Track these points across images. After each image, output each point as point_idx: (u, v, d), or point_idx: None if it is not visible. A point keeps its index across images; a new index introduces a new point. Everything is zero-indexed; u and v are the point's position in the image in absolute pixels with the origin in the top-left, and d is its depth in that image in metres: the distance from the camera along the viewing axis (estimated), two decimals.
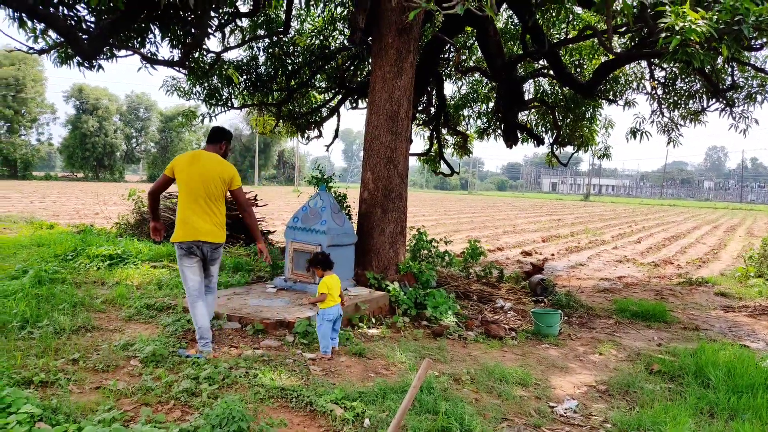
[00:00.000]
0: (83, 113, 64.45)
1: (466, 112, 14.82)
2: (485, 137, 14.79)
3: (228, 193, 5.15)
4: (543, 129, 13.77)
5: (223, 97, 12.07)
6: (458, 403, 4.17)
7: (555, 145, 13.32)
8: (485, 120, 14.48)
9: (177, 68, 8.25)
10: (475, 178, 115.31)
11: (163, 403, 3.76)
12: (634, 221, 32.67)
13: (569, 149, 14.12)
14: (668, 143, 12.58)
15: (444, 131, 14.56)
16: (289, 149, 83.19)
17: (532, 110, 13.55)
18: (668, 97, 11.90)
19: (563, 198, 78.40)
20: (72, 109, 65.17)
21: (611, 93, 11.97)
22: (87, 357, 4.40)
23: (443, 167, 14.77)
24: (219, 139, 5.28)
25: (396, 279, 7.33)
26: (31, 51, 6.86)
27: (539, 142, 11.99)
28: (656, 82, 11.79)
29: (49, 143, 67.65)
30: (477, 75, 13.92)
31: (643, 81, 12.28)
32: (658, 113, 11.98)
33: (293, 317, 5.62)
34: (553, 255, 15.47)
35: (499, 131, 14.26)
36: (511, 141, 11.42)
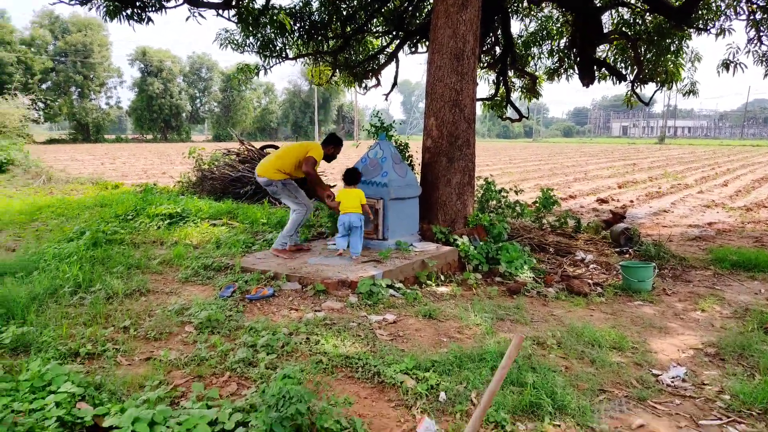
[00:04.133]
0: (148, 76, 65.95)
1: (534, 51, 13.75)
2: (556, 78, 13.72)
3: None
4: (622, 65, 12.56)
5: (277, 47, 11.59)
6: (547, 373, 3.64)
7: (636, 83, 12.14)
8: (556, 59, 13.38)
9: (223, 11, 7.78)
10: (540, 125, 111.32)
11: (217, 374, 3.43)
12: (716, 163, 30.47)
13: (648, 89, 12.90)
14: (765, 75, 11.18)
15: (510, 73, 13.57)
16: (348, 103, 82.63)
17: (610, 46, 12.35)
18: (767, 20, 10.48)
19: (636, 142, 74.48)
20: (137, 72, 66.98)
21: (701, 21, 10.65)
22: (139, 324, 4.13)
23: (510, 112, 13.85)
24: (325, 143, 6.46)
25: (465, 233, 6.77)
26: (73, 2, 6.53)
27: (620, 78, 10.90)
28: (755, 5, 10.39)
29: (118, 106, 69.84)
30: (547, 10, 12.79)
31: (738, 5, 10.87)
32: (755, 41, 10.60)
33: (356, 276, 5.20)
34: (632, 202, 14.41)
35: (572, 70, 13.17)
36: (587, 79, 10.42)
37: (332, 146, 6.36)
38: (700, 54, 12.17)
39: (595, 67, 10.66)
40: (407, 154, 7.16)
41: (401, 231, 6.41)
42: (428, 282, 5.74)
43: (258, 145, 11.52)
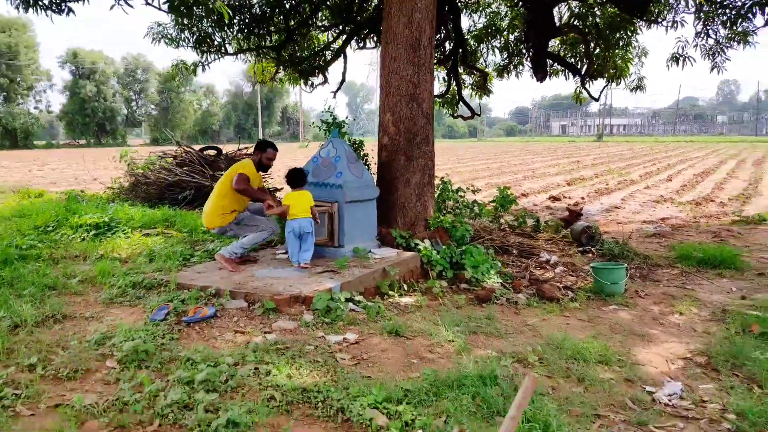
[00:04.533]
0: (80, 78, 62.87)
1: (483, 48, 13.45)
2: (506, 75, 13.47)
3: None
4: (572, 61, 12.42)
5: (216, 42, 10.83)
6: (534, 397, 3.17)
7: (586, 78, 12.00)
8: (505, 56, 13.12)
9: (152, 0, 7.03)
10: (484, 124, 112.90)
11: (144, 424, 2.78)
12: (655, 159, 31.33)
13: (596, 86, 12.79)
14: (712, 69, 11.21)
15: (460, 70, 13.22)
16: (292, 104, 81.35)
17: (560, 41, 12.17)
18: (714, 13, 10.49)
19: (575, 140, 76.46)
20: (68, 75, 63.67)
21: (654, 14, 10.56)
22: (49, 360, 3.41)
23: (462, 110, 13.50)
24: (255, 148, 5.88)
25: (426, 236, 6.28)
26: None
27: (574, 72, 10.69)
28: None
29: (48, 111, 66.30)
30: (495, 5, 12.51)
31: None
32: (702, 35, 10.58)
33: (311, 290, 4.61)
34: (583, 198, 14.35)
35: (522, 67, 12.95)
36: (540, 74, 10.15)
37: (258, 153, 5.75)
38: (647, 49, 12.15)
39: (547, 61, 10.40)
40: (362, 153, 6.59)
41: (359, 237, 5.86)
42: (391, 293, 5.21)
43: (197, 147, 10.72)
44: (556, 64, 11.13)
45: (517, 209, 10.86)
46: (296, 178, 5.56)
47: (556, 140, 79.65)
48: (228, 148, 11.44)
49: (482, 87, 13.43)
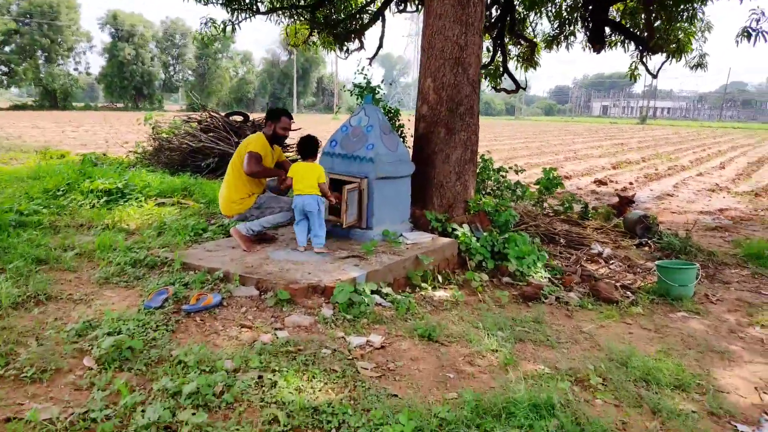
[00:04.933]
0: (119, 41, 62.95)
1: (532, 16, 12.47)
2: (555, 46, 12.48)
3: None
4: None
5: None
6: None
7: (645, 52, 10.97)
8: (556, 25, 12.13)
9: None
10: (522, 102, 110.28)
11: None
12: (704, 144, 29.75)
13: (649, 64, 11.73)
14: None
15: (506, 39, 12.29)
16: (328, 75, 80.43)
17: (617, 9, 11.13)
18: None
19: (617, 121, 73.86)
20: (108, 37, 63.91)
21: None
22: (15, 354, 2.87)
23: (505, 82, 12.61)
24: (266, 119, 5.13)
25: (465, 220, 5.59)
26: None
27: (637, 42, 9.69)
28: None
29: (87, 72, 66.81)
30: None
31: None
32: None
33: (332, 279, 3.99)
34: (631, 184, 13.38)
35: (573, 37, 11.96)
36: (598, 44, 9.22)
37: (271, 123, 5.00)
38: (711, 22, 11.04)
39: (606, 29, 9.45)
40: (397, 123, 5.89)
41: (389, 218, 5.20)
42: (423, 285, 4.56)
43: (224, 113, 10.13)
44: (614, 34, 10.15)
45: (562, 193, 10.05)
46: (307, 146, 4.81)
47: (597, 121, 77.14)
48: (255, 115, 10.83)
49: (529, 59, 12.48)
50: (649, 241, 7.01)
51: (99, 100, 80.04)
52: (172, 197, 6.90)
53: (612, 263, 5.97)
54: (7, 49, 55.62)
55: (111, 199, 6.52)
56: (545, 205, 8.55)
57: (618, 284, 5.13)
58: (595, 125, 59.77)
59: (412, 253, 4.68)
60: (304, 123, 40.90)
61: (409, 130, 5.93)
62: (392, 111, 5.95)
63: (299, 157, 4.89)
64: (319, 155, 5.06)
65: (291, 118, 5.13)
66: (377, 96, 5.68)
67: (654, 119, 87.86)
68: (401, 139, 5.67)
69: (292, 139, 7.49)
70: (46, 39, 57.06)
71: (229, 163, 4.92)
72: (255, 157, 4.70)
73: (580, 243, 6.63)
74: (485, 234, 5.42)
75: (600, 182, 13.24)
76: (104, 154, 10.85)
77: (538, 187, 8.64)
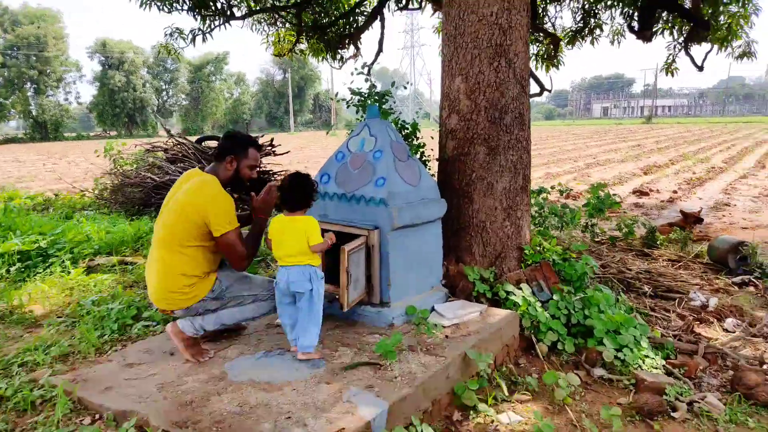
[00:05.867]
0: (109, 69, 61.75)
1: (552, 10, 10.82)
2: (579, 41, 10.81)
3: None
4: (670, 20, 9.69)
5: (219, 3, 8.54)
6: None
7: (689, 42, 9.28)
8: (579, 17, 10.46)
9: None
10: None
11: None
12: (725, 141, 28.06)
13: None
14: None
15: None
16: (324, 92, 79.03)
17: None
18: None
19: (622, 122, 72.13)
20: (98, 66, 62.71)
21: None
22: None
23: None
24: (224, 152, 3.11)
25: (522, 277, 3.85)
26: None
27: (703, 27, 7.94)
28: None
29: (78, 102, 65.66)
30: None
31: None
32: None
33: (327, 429, 2.23)
34: (675, 192, 11.62)
35: (601, 30, 10.31)
36: (647, 29, 7.53)
37: (230, 157, 3.06)
38: (759, 5, 9.35)
39: (656, 12, 7.78)
40: (415, 142, 4.12)
41: (415, 285, 3.47)
42: (479, 400, 2.80)
43: (194, 138, 8.45)
44: (662, 19, 8.49)
45: (614, 213, 8.33)
46: (293, 192, 2.98)
47: (599, 123, 75.43)
48: None
49: (552, 56, 10.79)
50: (751, 278, 5.27)
51: (93, 129, 78.79)
52: (121, 253, 5.17)
53: (728, 321, 4.21)
54: None
55: (28, 266, 4.80)
56: (596, 230, 6.84)
57: (763, 365, 3.38)
58: (601, 127, 58.06)
59: (457, 350, 2.93)
60: (302, 141, 38.93)
61: (432, 151, 4.21)
62: (407, 127, 4.20)
63: (282, 206, 3.12)
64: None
65: (260, 149, 3.40)
66: (386, 106, 3.94)
67: (657, 117, 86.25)
68: (424, 165, 3.92)
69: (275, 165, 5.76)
70: (34, 71, 55.84)
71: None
72: (238, 239, 2.92)
73: (669, 289, 4.87)
74: (555, 298, 3.68)
75: (640, 192, 11.49)
76: (56, 195, 9.16)
77: (585, 208, 6.91)
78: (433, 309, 3.47)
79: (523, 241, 4.07)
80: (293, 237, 2.92)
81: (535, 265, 3.92)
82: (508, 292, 3.68)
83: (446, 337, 3.12)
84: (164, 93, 70.43)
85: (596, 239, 6.74)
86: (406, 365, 2.78)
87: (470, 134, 3.92)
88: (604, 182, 7.40)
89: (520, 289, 3.71)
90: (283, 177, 3.14)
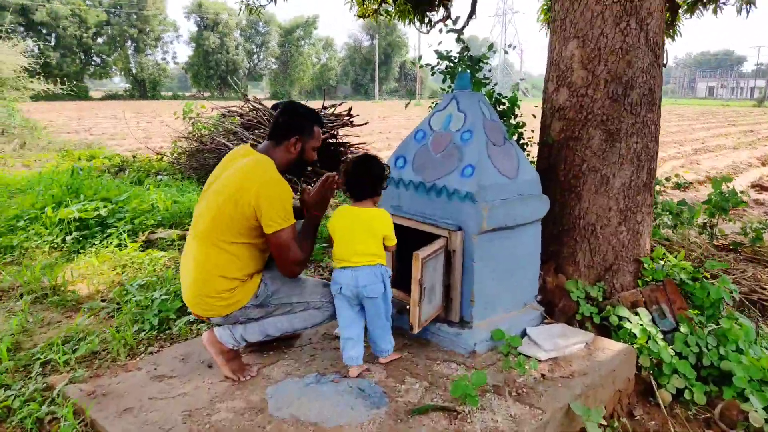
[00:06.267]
0: (204, 30, 63.40)
1: None
2: (701, 8, 9.44)
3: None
4: None
5: None
6: None
7: None
8: None
9: None
10: None
11: None
12: None
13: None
14: None
15: None
16: (410, 60, 77.75)
17: None
18: None
19: (729, 104, 66.40)
20: (193, 26, 64.60)
21: None
22: None
23: None
24: (285, 131, 2.48)
25: (639, 299, 3.08)
26: None
27: None
28: None
29: (175, 62, 68.05)
30: None
31: None
32: None
33: None
34: None
35: None
36: None
37: (295, 137, 2.47)
38: None
39: None
40: (514, 123, 3.39)
41: (504, 302, 2.81)
42: None
43: (271, 103, 8.01)
44: None
45: (737, 212, 7.20)
46: (361, 178, 2.48)
47: (704, 103, 69.84)
48: (317, 104, 8.64)
49: (669, 25, 9.50)
50: None
51: (189, 89, 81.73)
52: (175, 228, 4.81)
53: None
54: (99, 40, 57.10)
55: (86, 235, 4.51)
56: (716, 232, 5.83)
57: None
58: (707, 108, 53.62)
59: (557, 400, 2.26)
60: (386, 110, 38.28)
61: (533, 133, 3.46)
62: (503, 101, 3.47)
63: (346, 194, 2.57)
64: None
65: (323, 125, 2.82)
66: (480, 75, 3.22)
67: (767, 101, 78.83)
68: (523, 151, 3.19)
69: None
70: (134, 29, 58.17)
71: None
72: (294, 239, 2.36)
73: None
74: (683, 329, 2.90)
75: (760, 187, 10.08)
76: (134, 156, 9.06)
77: (707, 206, 5.90)
78: (525, 334, 2.80)
79: (642, 252, 3.28)
80: (364, 233, 2.42)
81: (656, 284, 3.13)
82: (621, 318, 2.94)
83: (542, 376, 2.45)
84: (255, 56, 71.69)
85: (716, 244, 5.75)
86: (490, 416, 2.15)
87: (583, 114, 3.15)
88: (729, 175, 6.31)
89: (637, 314, 2.95)
90: (345, 162, 2.54)
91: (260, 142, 7.51)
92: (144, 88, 60.27)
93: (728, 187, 5.86)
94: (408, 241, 2.72)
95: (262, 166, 2.37)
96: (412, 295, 2.46)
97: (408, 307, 2.77)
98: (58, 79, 22.24)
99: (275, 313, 2.46)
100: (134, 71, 59.75)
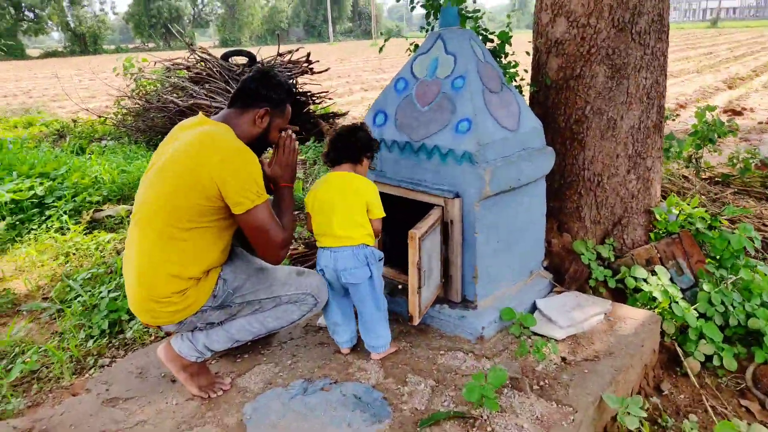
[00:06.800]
0: None
1: None
2: None
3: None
4: None
5: None
6: None
7: None
8: None
9: None
10: None
11: None
12: None
13: None
14: None
15: None
16: None
17: None
18: None
19: (683, 26, 66.46)
20: None
21: None
22: None
23: None
24: (254, 99, 2.03)
25: (653, 254, 2.77)
26: None
27: None
28: None
29: (114, 12, 64.38)
30: None
31: None
32: None
33: None
34: None
35: None
36: None
37: (265, 109, 2.01)
38: None
39: None
40: (505, 61, 2.93)
41: (510, 272, 2.47)
42: None
43: (219, 53, 7.29)
44: None
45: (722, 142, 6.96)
46: (339, 143, 2.14)
47: None
48: (266, 52, 7.96)
49: None
50: None
51: (132, 41, 77.53)
52: (123, 203, 4.28)
53: None
54: None
55: (21, 219, 3.97)
56: (701, 165, 5.59)
57: None
58: None
59: (587, 391, 1.94)
60: (342, 51, 37.04)
61: (525, 73, 3.03)
62: (490, 38, 3.00)
63: (324, 160, 2.14)
64: (366, 104, 2.23)
65: (294, 100, 2.36)
66: (469, 12, 2.74)
67: (721, 21, 79.31)
68: (521, 97, 2.76)
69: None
70: None
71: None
72: (270, 215, 1.93)
73: None
74: (704, 286, 2.61)
75: (732, 112, 9.91)
76: (74, 121, 8.27)
77: (693, 137, 5.62)
78: (534, 307, 2.46)
79: (653, 201, 2.95)
80: (343, 201, 2.04)
81: (671, 237, 2.82)
82: (637, 279, 2.62)
83: (563, 360, 2.12)
84: (200, 1, 68.14)
85: (702, 177, 5.51)
86: (513, 419, 1.81)
87: (585, 47, 2.73)
88: (698, 100, 6.02)
89: (655, 273, 2.64)
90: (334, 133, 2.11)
91: (212, 98, 6.82)
92: (84, 42, 56.86)
93: (713, 116, 5.59)
94: (394, 212, 2.31)
95: (222, 134, 1.91)
96: (410, 281, 2.07)
97: (400, 286, 2.41)
98: None
99: (241, 313, 2.04)
100: (72, 25, 56.19)
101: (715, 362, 2.42)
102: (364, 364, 2.15)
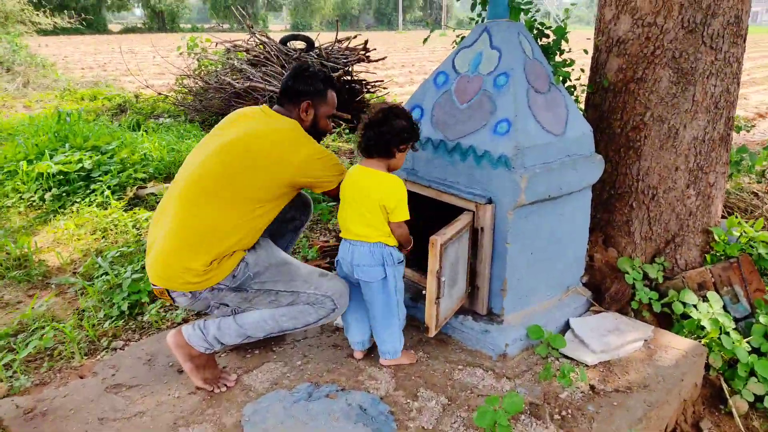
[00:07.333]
0: None
1: None
2: None
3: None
4: None
5: None
6: None
7: None
8: None
9: None
10: None
11: None
12: None
13: None
14: None
15: None
16: None
17: None
18: None
19: None
20: None
21: None
22: None
23: None
24: (295, 95, 2.07)
25: (707, 279, 2.52)
26: None
27: None
28: None
29: None
30: None
31: None
32: None
33: None
34: None
35: None
36: None
37: (306, 102, 2.05)
38: None
39: None
40: (560, 60, 2.72)
41: (543, 287, 2.30)
42: None
43: (278, 37, 7.29)
44: None
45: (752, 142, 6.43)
46: (371, 130, 1.93)
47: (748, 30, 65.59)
48: (324, 38, 7.90)
49: None
50: None
51: (208, 21, 79.65)
52: (169, 182, 4.32)
53: None
54: None
55: (66, 191, 4.05)
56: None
57: None
58: (749, 36, 50.44)
59: (613, 427, 1.76)
60: (410, 41, 36.72)
61: (582, 73, 2.79)
62: (546, 33, 2.79)
63: (359, 151, 2.03)
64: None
65: (338, 90, 2.28)
66: (521, 4, 2.54)
67: None
68: (573, 101, 2.55)
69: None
70: None
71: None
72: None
73: None
74: (760, 318, 2.35)
75: None
76: (136, 97, 8.49)
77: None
78: (567, 326, 2.28)
79: (712, 220, 2.69)
80: (363, 199, 1.93)
81: (729, 261, 2.56)
82: (686, 305, 2.39)
83: (591, 389, 1.94)
84: None
85: None
86: None
87: (650, 48, 2.50)
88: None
89: (706, 300, 2.40)
90: (369, 117, 1.98)
91: (268, 81, 6.81)
92: (163, 20, 58.82)
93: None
94: (424, 213, 2.18)
95: (297, 130, 2.01)
96: (428, 290, 1.94)
97: (423, 290, 2.27)
98: (74, 12, 21.52)
99: (255, 301, 1.96)
100: (152, 2, 58.16)
101: (766, 404, 2.18)
102: (376, 372, 2.04)
